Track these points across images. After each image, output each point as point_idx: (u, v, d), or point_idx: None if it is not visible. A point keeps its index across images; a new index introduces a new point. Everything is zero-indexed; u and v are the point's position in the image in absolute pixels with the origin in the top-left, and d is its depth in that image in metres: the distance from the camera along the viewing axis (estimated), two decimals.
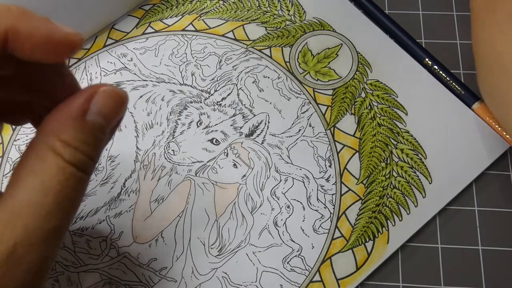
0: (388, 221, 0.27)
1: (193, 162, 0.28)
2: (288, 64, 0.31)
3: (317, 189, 0.28)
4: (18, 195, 0.15)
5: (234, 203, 0.28)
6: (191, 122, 0.29)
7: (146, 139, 0.29)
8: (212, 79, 0.31)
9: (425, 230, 0.27)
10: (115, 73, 0.31)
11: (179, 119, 0.30)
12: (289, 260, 0.26)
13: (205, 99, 0.30)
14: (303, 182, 0.28)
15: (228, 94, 0.30)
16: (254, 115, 0.30)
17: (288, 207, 0.27)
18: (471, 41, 0.27)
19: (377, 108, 0.30)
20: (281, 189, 0.28)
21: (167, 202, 0.28)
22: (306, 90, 0.31)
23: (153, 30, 0.33)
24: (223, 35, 0.32)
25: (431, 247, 0.27)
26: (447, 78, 0.30)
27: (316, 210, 0.27)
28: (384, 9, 0.34)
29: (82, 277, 0.26)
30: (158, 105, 0.30)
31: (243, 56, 0.32)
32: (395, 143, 0.29)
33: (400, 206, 0.27)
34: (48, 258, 0.16)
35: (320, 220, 0.27)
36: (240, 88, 0.31)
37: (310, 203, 0.27)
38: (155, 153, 0.29)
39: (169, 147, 0.29)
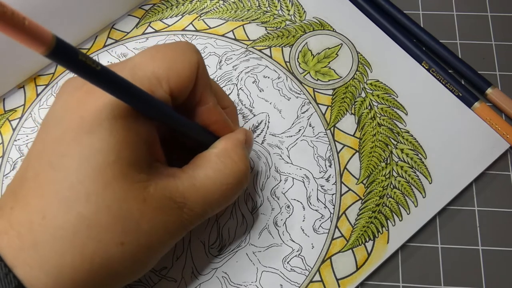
0: (388, 221, 0.27)
1: None
2: (288, 64, 0.31)
3: (317, 189, 0.28)
4: (199, 176, 0.21)
5: (234, 203, 0.28)
6: None
7: None
8: (212, 79, 0.31)
9: (425, 230, 0.27)
10: None
11: None
12: (289, 260, 0.26)
13: None
14: (303, 182, 0.28)
15: (228, 94, 0.30)
16: (254, 115, 0.30)
17: (288, 207, 0.27)
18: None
19: (377, 108, 0.30)
20: (281, 189, 0.28)
21: None
22: (306, 90, 0.31)
23: (153, 30, 0.33)
24: (223, 35, 0.32)
25: (431, 247, 0.27)
26: (447, 79, 0.30)
27: (316, 210, 0.27)
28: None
29: None
30: None
31: (243, 56, 0.32)
32: (395, 143, 0.29)
33: (400, 206, 0.27)
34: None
35: (320, 220, 0.27)
36: (240, 88, 0.31)
37: (310, 203, 0.27)
38: None
39: None
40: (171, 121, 0.20)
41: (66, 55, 0.14)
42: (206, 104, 0.22)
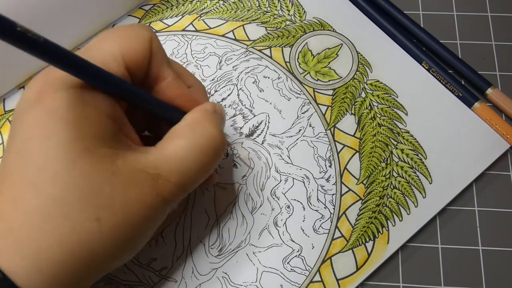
0: (388, 221, 0.27)
1: None
2: (288, 64, 0.31)
3: (317, 189, 0.28)
4: (170, 146, 0.20)
5: (234, 203, 0.28)
6: None
7: None
8: (212, 80, 0.31)
9: (425, 230, 0.27)
10: None
11: None
12: (289, 260, 0.26)
13: None
14: (303, 182, 0.28)
15: (228, 95, 0.30)
16: (254, 116, 0.30)
17: (288, 207, 0.27)
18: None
19: (377, 108, 0.30)
20: (281, 189, 0.28)
21: None
22: (306, 90, 0.31)
23: (153, 30, 0.33)
24: (223, 35, 0.32)
25: (431, 247, 0.27)
26: (447, 79, 0.30)
27: (316, 210, 0.27)
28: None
29: None
30: None
31: (243, 56, 0.32)
32: (395, 143, 0.29)
33: (400, 206, 0.27)
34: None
35: (320, 220, 0.27)
36: (240, 89, 0.31)
37: (310, 203, 0.27)
38: None
39: None
40: (131, 95, 0.20)
41: (3, 27, 0.14)
42: (165, 79, 0.22)
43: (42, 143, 0.18)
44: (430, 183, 0.28)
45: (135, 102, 0.21)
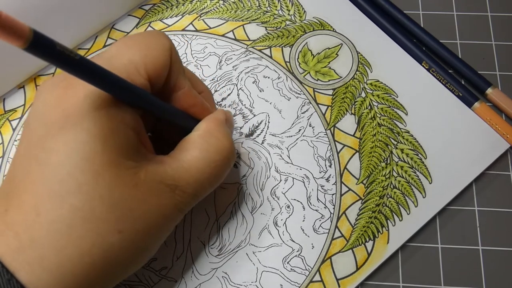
0: (388, 221, 0.27)
1: None
2: (288, 64, 0.31)
3: (317, 189, 0.28)
4: (186, 158, 0.21)
5: (234, 203, 0.28)
6: None
7: None
8: (212, 79, 0.31)
9: (425, 230, 0.27)
10: None
11: None
12: (289, 260, 0.26)
13: None
14: (303, 182, 0.28)
15: (228, 94, 0.30)
16: (254, 115, 0.30)
17: (288, 207, 0.27)
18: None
19: (377, 108, 0.30)
20: (281, 189, 0.28)
21: None
22: (306, 90, 0.31)
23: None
24: (223, 35, 0.32)
25: (431, 247, 0.27)
26: (447, 79, 0.30)
27: (316, 210, 0.27)
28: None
29: None
30: None
31: (243, 56, 0.32)
32: (395, 143, 0.29)
33: (400, 206, 0.27)
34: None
35: (320, 220, 0.27)
36: (240, 88, 0.31)
37: (310, 203, 0.27)
38: None
39: None
40: (152, 107, 0.20)
41: (44, 47, 0.14)
42: (182, 89, 0.22)
43: (67, 154, 0.18)
44: (430, 183, 0.28)
45: (155, 112, 0.21)
